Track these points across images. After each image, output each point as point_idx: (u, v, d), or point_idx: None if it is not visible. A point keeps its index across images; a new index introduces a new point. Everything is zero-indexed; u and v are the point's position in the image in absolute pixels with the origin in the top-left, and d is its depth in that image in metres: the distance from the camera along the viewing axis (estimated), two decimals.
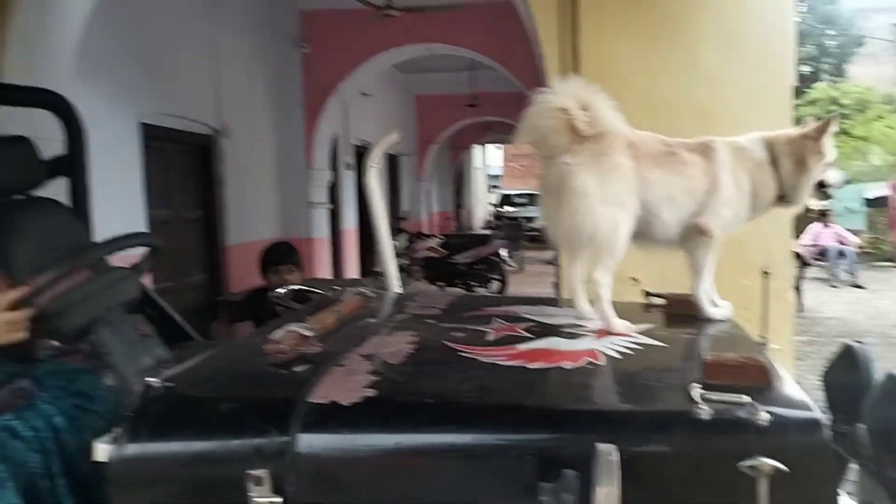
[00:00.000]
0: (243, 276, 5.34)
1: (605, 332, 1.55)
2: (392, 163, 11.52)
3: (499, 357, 1.41)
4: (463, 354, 1.43)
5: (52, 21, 3.16)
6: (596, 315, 1.58)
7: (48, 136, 2.42)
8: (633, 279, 1.88)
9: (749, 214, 1.68)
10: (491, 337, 1.55)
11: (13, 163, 2.12)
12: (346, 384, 1.25)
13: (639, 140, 1.61)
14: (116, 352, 1.39)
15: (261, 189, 6.64)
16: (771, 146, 1.66)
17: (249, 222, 6.19)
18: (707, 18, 2.83)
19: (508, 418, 1.16)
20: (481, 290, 8.93)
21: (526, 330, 1.59)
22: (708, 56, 2.80)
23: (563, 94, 1.60)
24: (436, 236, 8.79)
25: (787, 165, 1.63)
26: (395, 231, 8.65)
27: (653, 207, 1.59)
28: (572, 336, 1.55)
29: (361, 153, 9.49)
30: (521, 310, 1.80)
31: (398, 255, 8.56)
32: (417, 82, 12.00)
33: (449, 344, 1.50)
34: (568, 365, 1.36)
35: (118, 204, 3.90)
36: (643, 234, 1.63)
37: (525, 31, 3.40)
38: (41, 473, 1.43)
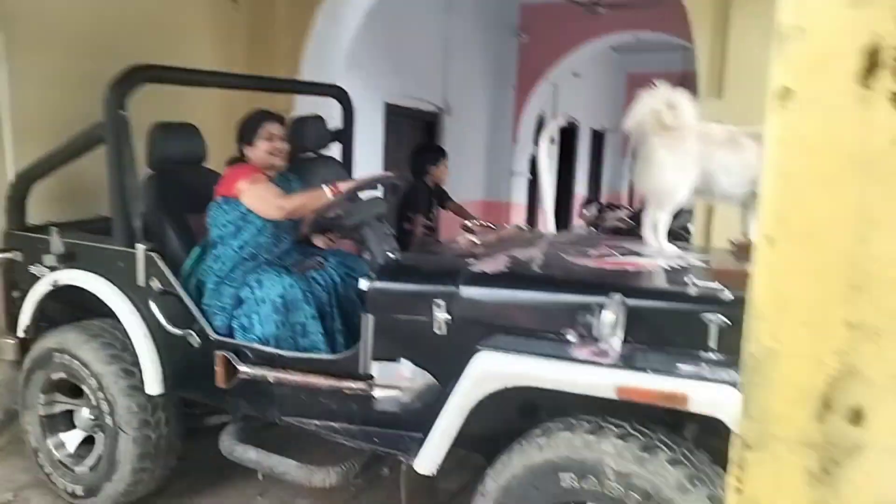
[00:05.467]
0: (451, 224, 6.53)
1: (671, 256, 2.33)
2: (597, 139, 12.14)
3: (590, 262, 2.27)
4: (567, 259, 2.31)
5: (334, 32, 4.47)
6: (656, 243, 2.37)
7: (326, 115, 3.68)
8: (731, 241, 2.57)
9: None
10: (592, 253, 2.41)
11: (313, 132, 3.36)
12: (492, 265, 2.21)
13: (708, 129, 2.33)
14: (372, 240, 2.48)
15: (473, 158, 7.80)
16: None
17: (461, 185, 7.37)
18: None
19: (579, 285, 2.03)
20: None
21: (619, 252, 2.42)
22: None
23: (657, 96, 2.37)
24: (626, 208, 9.31)
25: None
26: (588, 201, 9.34)
27: (714, 175, 2.31)
28: (649, 257, 2.35)
29: (567, 130, 10.32)
30: (627, 243, 2.62)
31: (588, 224, 9.21)
32: (630, 61, 12.39)
33: (562, 255, 2.39)
34: (632, 269, 2.19)
35: (366, 165, 5.21)
36: (708, 192, 2.36)
37: None
38: (326, 303, 2.60)
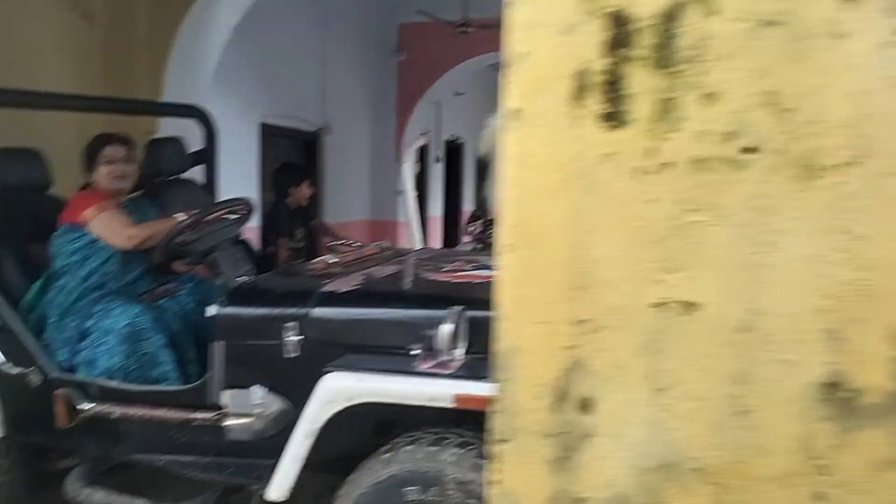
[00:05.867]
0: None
1: None
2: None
3: (441, 277, 2.33)
4: (422, 276, 2.36)
5: (199, 50, 4.36)
6: None
7: (189, 136, 3.58)
8: None
9: None
10: (446, 268, 2.47)
11: (169, 155, 3.26)
12: (344, 284, 2.22)
13: None
14: (224, 264, 2.42)
15: (355, 178, 7.81)
16: None
17: (346, 205, 7.35)
18: None
19: (423, 300, 2.08)
20: None
21: (471, 267, 2.49)
22: None
23: None
24: None
25: None
26: (473, 217, 9.56)
27: None
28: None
29: (451, 147, 10.52)
30: (482, 258, 2.70)
31: (474, 239, 9.40)
32: None
33: (416, 271, 2.43)
34: (477, 281, 2.26)
35: (238, 186, 5.08)
36: None
37: None
38: (179, 332, 2.51)
